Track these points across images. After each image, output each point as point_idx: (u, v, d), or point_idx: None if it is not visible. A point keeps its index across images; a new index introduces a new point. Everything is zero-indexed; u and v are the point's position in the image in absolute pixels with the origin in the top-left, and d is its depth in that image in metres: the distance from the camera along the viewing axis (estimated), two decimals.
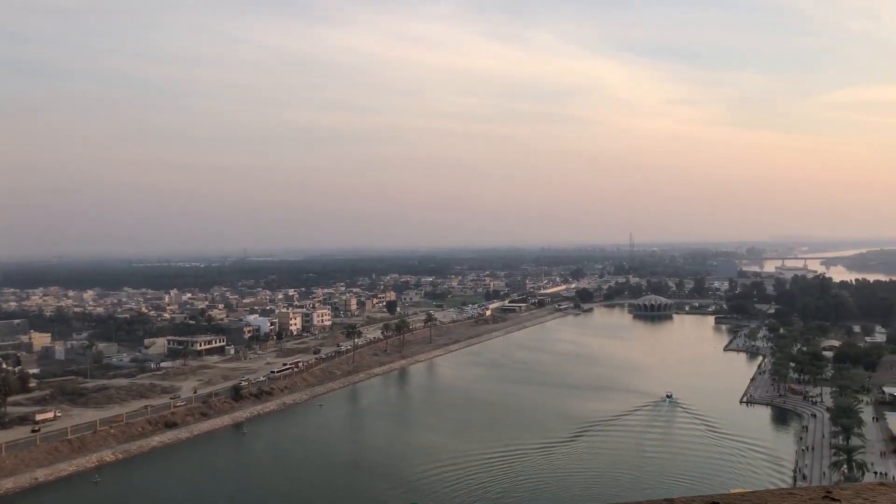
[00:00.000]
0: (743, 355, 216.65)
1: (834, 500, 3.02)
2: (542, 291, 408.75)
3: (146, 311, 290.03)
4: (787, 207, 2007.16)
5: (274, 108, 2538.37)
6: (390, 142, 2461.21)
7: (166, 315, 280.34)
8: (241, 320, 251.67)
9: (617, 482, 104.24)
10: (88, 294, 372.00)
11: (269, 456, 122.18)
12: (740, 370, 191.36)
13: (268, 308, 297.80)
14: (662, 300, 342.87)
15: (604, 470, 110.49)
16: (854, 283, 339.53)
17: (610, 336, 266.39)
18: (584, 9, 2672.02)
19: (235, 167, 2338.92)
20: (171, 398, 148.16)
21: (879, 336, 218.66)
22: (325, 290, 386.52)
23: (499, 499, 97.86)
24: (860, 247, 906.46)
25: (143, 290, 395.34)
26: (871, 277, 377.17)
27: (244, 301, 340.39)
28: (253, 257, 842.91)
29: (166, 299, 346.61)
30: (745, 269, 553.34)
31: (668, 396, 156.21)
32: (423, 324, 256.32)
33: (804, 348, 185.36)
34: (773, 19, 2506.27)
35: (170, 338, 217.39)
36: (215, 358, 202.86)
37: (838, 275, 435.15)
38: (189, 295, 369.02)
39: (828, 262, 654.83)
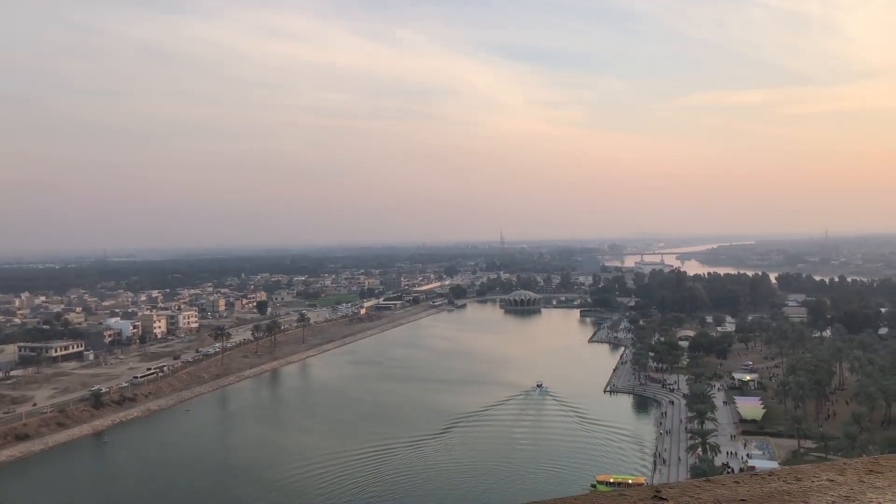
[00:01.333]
0: (606, 346, 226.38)
1: (662, 499, 3.16)
2: (417, 289, 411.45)
3: None
4: (645, 206, 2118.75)
5: (129, 99, 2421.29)
6: (256, 137, 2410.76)
7: (17, 320, 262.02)
8: (100, 324, 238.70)
9: (490, 473, 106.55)
10: None
11: (134, 464, 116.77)
12: (604, 361, 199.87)
13: (130, 311, 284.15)
14: (531, 295, 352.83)
15: (477, 462, 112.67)
16: (706, 276, 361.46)
17: (482, 331, 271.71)
18: (452, 11, 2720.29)
19: (88, 161, 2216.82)
20: (3, 413, 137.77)
21: (729, 326, 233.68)
22: (192, 291, 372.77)
23: (371, 495, 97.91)
24: (712, 242, 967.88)
25: None
26: (722, 271, 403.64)
27: (104, 304, 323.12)
28: (113, 257, 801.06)
29: (17, 303, 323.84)
30: (607, 264, 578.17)
31: (538, 386, 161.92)
32: (295, 324, 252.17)
33: (662, 339, 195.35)
34: (629, 26, 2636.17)
35: (21, 344, 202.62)
36: (73, 364, 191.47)
37: (692, 269, 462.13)
38: (43, 298, 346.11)
39: (683, 257, 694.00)
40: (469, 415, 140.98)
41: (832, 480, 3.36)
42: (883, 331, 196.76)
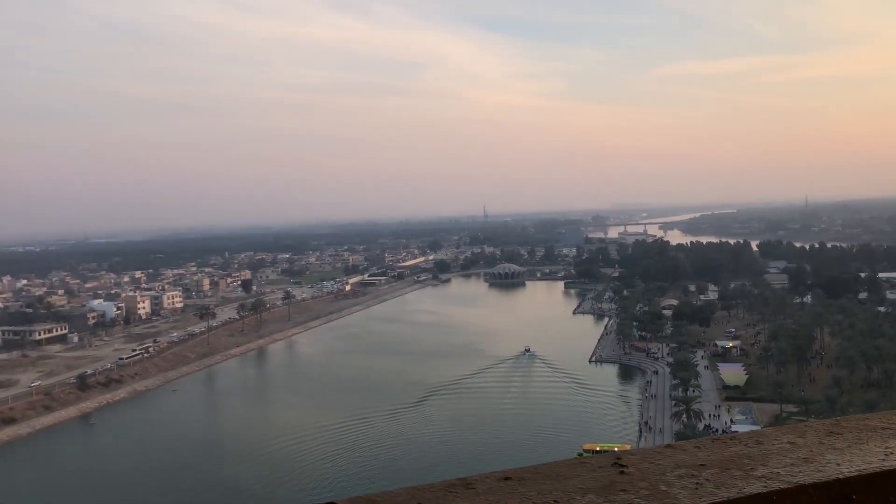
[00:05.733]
0: (590, 317, 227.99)
1: (622, 465, 3.16)
2: (401, 264, 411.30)
3: None
4: (628, 176, 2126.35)
5: (99, 78, 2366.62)
6: (230, 114, 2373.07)
7: None
8: (84, 306, 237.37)
9: (475, 442, 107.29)
10: None
11: (122, 445, 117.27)
12: (589, 332, 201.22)
13: (113, 292, 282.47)
14: (515, 268, 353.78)
15: (462, 430, 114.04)
16: (689, 245, 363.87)
17: (467, 304, 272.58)
18: None
19: (60, 142, 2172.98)
20: None
21: (712, 294, 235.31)
22: (175, 272, 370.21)
23: (357, 466, 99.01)
24: (694, 211, 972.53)
25: None
26: (704, 239, 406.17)
27: (87, 286, 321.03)
28: (94, 239, 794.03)
29: None
30: (590, 235, 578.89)
31: (526, 350, 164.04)
32: (281, 302, 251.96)
33: (646, 308, 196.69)
34: None
35: (4, 328, 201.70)
36: (57, 347, 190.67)
37: (675, 238, 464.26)
38: (25, 281, 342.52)
39: (665, 227, 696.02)
40: (454, 383, 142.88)
41: (792, 443, 3.37)
42: (862, 295, 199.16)
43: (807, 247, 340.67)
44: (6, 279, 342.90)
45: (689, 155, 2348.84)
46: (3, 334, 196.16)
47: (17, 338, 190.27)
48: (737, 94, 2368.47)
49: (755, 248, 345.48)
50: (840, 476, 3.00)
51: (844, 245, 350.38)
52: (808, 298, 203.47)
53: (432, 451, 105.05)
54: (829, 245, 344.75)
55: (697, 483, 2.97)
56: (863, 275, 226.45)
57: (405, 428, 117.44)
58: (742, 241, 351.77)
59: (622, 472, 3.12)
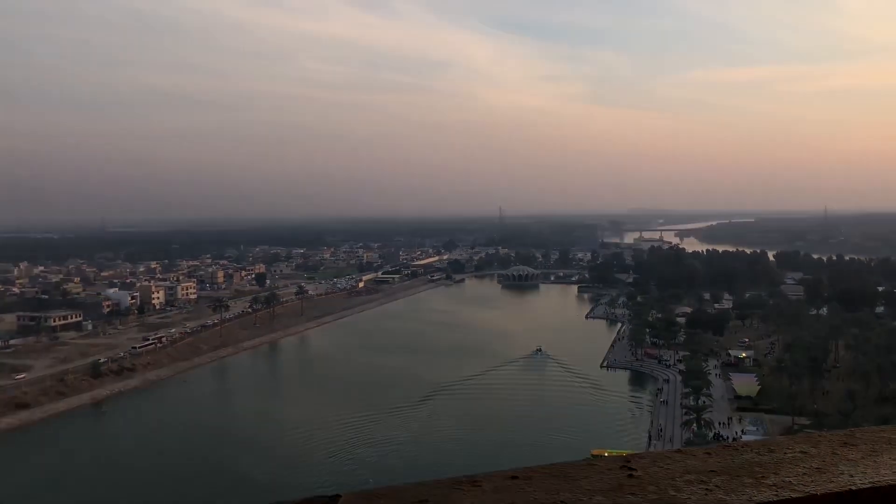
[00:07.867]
0: (603, 322, 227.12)
1: (631, 469, 3.27)
2: (416, 263, 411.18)
3: None
4: (645, 182, 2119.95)
5: (125, 69, 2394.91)
6: (253, 108, 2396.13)
7: (15, 289, 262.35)
8: (99, 294, 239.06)
9: (480, 444, 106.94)
10: None
11: (132, 433, 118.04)
12: (601, 337, 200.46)
13: (128, 281, 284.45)
14: (530, 270, 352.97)
15: (473, 429, 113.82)
16: (705, 253, 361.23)
17: (480, 305, 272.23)
18: None
19: (83, 131, 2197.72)
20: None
21: (727, 303, 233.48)
22: (191, 263, 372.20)
23: (367, 461, 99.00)
24: (711, 219, 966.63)
25: None
26: (721, 248, 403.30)
27: (103, 274, 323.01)
28: (112, 228, 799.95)
29: (15, 272, 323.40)
30: (606, 240, 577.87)
31: (538, 350, 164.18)
32: (294, 297, 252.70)
33: (659, 315, 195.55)
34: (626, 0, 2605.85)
35: (20, 313, 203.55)
36: (72, 334, 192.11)
37: (691, 246, 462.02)
38: (42, 268, 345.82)
39: (682, 234, 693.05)
40: (463, 382, 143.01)
41: (805, 452, 3.34)
42: (880, 309, 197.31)
43: (825, 259, 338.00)
44: (24, 265, 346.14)
45: (708, 162, 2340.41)
46: (19, 320, 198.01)
47: (33, 324, 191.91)
48: (758, 102, 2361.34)
49: (772, 259, 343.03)
50: (853, 487, 2.97)
51: (863, 258, 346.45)
52: (824, 311, 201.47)
53: (440, 448, 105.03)
54: (847, 258, 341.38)
55: (707, 489, 2.95)
56: (881, 289, 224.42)
57: (413, 425, 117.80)
58: (759, 251, 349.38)
59: (631, 476, 3.14)
